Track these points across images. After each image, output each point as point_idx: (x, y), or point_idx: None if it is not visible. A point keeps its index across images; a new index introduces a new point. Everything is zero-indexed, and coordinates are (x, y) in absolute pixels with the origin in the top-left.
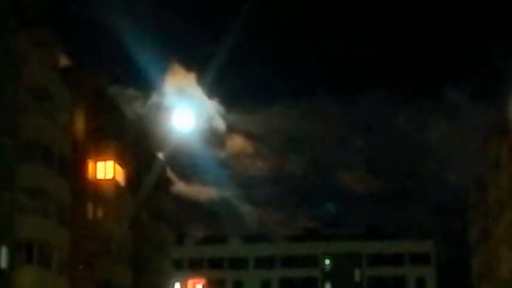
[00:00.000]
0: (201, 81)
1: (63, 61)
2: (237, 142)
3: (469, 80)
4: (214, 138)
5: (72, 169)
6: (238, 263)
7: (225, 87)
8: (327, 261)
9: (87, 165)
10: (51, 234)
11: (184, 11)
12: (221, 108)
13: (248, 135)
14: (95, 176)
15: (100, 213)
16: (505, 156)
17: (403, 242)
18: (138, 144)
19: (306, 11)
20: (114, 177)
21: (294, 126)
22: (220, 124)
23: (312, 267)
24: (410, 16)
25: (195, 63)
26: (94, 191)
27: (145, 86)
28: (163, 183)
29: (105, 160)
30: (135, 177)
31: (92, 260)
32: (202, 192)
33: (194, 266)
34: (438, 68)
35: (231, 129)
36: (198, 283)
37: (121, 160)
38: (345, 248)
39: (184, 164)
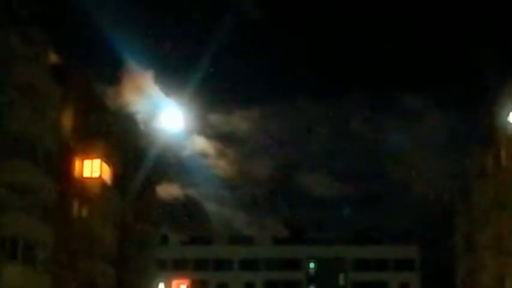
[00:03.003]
0: (158, 80)
1: (52, 58)
2: (198, 143)
3: (433, 86)
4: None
5: (59, 166)
6: (222, 265)
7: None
8: (312, 265)
9: (74, 163)
10: (35, 232)
11: (171, 11)
12: (181, 108)
13: (210, 136)
14: (81, 174)
15: (85, 212)
16: (490, 164)
17: (387, 248)
18: (125, 143)
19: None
20: (100, 175)
21: (259, 128)
22: (181, 124)
23: (297, 271)
24: (382, 22)
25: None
26: (80, 189)
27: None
28: (149, 183)
29: (92, 158)
30: (121, 176)
31: (76, 258)
32: (165, 190)
33: (178, 267)
34: (402, 75)
35: (192, 129)
36: (182, 284)
37: (108, 159)
38: (329, 252)
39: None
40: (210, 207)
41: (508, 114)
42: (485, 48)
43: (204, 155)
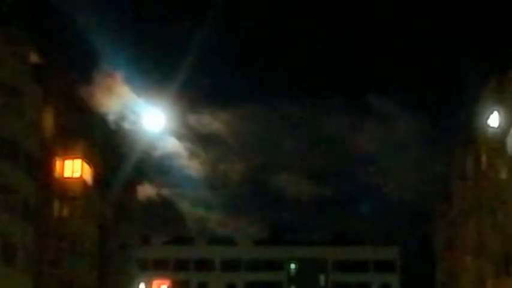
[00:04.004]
0: (137, 81)
1: (34, 59)
2: (176, 144)
3: (408, 89)
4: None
5: (40, 166)
6: (204, 265)
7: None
8: (293, 266)
9: (55, 162)
10: (16, 231)
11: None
12: (161, 109)
13: (186, 137)
14: (62, 174)
15: (66, 212)
16: (470, 167)
17: (368, 249)
18: (106, 143)
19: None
20: (81, 175)
21: (234, 129)
22: (151, 124)
23: (278, 271)
24: (358, 25)
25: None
26: (61, 189)
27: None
28: (130, 182)
29: (73, 158)
30: (103, 176)
31: (57, 258)
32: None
33: (159, 267)
34: (376, 78)
35: (170, 130)
36: (163, 284)
37: (89, 159)
38: (310, 253)
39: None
40: (185, 207)
41: (488, 117)
42: (463, 51)
43: (178, 155)
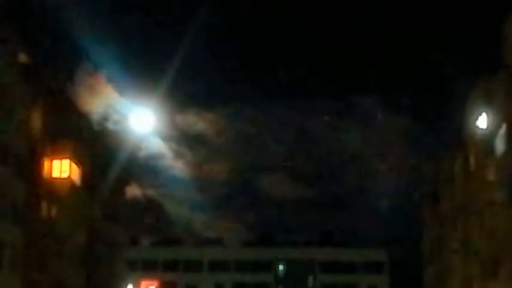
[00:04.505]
0: (125, 82)
1: (22, 58)
2: (156, 144)
3: (394, 91)
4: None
5: (28, 167)
6: (192, 266)
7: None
8: (281, 267)
9: (43, 163)
10: (4, 233)
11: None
12: (149, 110)
13: (168, 137)
14: (51, 175)
15: (54, 212)
16: (459, 168)
17: (356, 250)
18: (95, 144)
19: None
20: (69, 176)
21: (220, 130)
22: (137, 124)
23: (266, 273)
24: (344, 26)
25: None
26: (49, 189)
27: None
28: (119, 183)
29: (61, 159)
30: (91, 176)
31: (45, 259)
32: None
33: (148, 268)
34: (363, 79)
35: (159, 130)
36: (151, 285)
37: (77, 159)
38: (298, 254)
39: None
40: (171, 208)
41: (476, 119)
42: (451, 52)
43: (164, 156)
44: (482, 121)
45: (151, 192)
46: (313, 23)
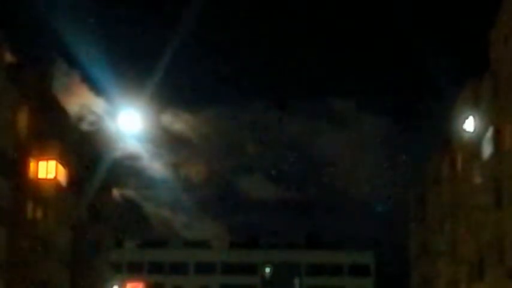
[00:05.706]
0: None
1: (8, 58)
2: (135, 144)
3: (379, 92)
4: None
5: (13, 167)
6: (178, 268)
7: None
8: (267, 269)
9: (29, 163)
10: None
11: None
12: (111, 108)
13: (147, 138)
14: (36, 175)
15: (40, 213)
16: (446, 171)
17: (343, 253)
18: (81, 145)
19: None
20: (55, 177)
21: (198, 132)
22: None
23: (252, 275)
24: (322, 28)
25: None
26: (35, 190)
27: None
28: (105, 184)
29: (47, 160)
30: (77, 178)
31: (30, 260)
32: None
33: (134, 270)
34: (342, 82)
35: (146, 131)
36: (137, 286)
37: (64, 160)
38: (285, 256)
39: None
40: (151, 209)
41: (463, 122)
42: (438, 55)
43: (142, 156)
44: (469, 124)
45: (131, 193)
46: (293, 25)
